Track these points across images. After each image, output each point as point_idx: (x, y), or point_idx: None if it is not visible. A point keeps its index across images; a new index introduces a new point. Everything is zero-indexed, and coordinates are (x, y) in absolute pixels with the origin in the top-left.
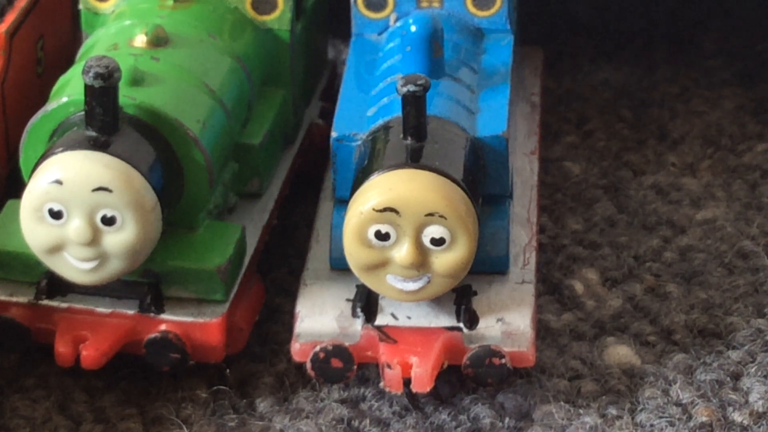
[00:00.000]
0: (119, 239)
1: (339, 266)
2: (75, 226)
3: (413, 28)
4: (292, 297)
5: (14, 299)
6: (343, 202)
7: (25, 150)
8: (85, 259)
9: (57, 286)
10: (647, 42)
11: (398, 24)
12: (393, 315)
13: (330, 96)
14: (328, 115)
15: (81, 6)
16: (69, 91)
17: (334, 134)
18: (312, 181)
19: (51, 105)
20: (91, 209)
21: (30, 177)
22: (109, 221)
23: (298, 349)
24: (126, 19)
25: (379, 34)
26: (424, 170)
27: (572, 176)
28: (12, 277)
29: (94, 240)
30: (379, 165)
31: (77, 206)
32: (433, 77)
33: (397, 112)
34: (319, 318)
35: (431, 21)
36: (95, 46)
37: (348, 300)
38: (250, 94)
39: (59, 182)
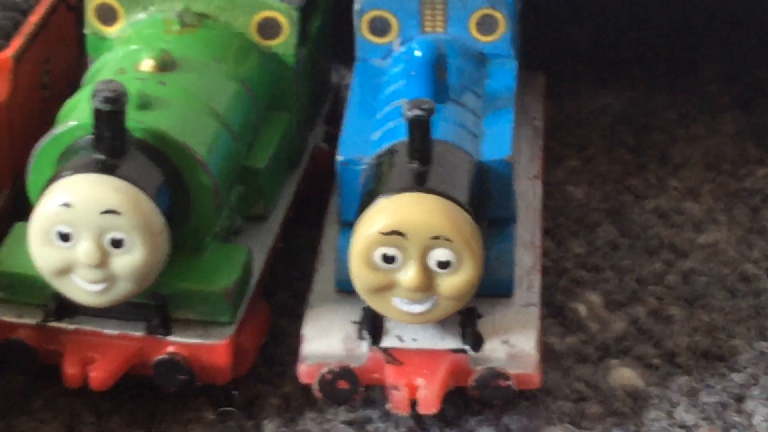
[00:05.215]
0: (127, 261)
1: (345, 289)
2: (83, 249)
3: (418, 53)
4: (296, 319)
5: (22, 321)
6: (348, 225)
7: (33, 173)
8: (93, 281)
9: (65, 307)
10: (647, 68)
11: (402, 49)
12: (399, 337)
13: (333, 120)
14: (331, 139)
15: (87, 30)
16: (77, 114)
17: (339, 158)
18: (315, 204)
19: (59, 128)
20: (100, 232)
21: (38, 200)
22: (117, 244)
23: (304, 371)
24: (132, 43)
25: (383, 58)
26: (429, 194)
27: (575, 200)
28: (20, 299)
29: (103, 262)
30: (385, 188)
31: (86, 229)
32: (438, 101)
33: (403, 136)
34: (326, 340)
35: (435, 46)
36: (102, 70)
37: (354, 322)
38: (255, 117)
39: (68, 205)
